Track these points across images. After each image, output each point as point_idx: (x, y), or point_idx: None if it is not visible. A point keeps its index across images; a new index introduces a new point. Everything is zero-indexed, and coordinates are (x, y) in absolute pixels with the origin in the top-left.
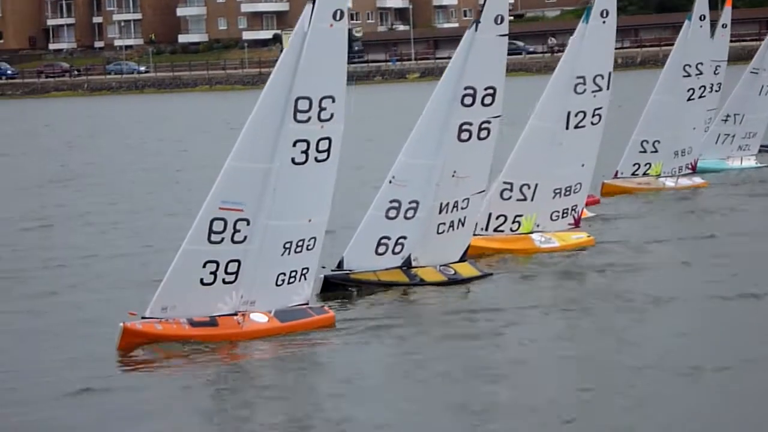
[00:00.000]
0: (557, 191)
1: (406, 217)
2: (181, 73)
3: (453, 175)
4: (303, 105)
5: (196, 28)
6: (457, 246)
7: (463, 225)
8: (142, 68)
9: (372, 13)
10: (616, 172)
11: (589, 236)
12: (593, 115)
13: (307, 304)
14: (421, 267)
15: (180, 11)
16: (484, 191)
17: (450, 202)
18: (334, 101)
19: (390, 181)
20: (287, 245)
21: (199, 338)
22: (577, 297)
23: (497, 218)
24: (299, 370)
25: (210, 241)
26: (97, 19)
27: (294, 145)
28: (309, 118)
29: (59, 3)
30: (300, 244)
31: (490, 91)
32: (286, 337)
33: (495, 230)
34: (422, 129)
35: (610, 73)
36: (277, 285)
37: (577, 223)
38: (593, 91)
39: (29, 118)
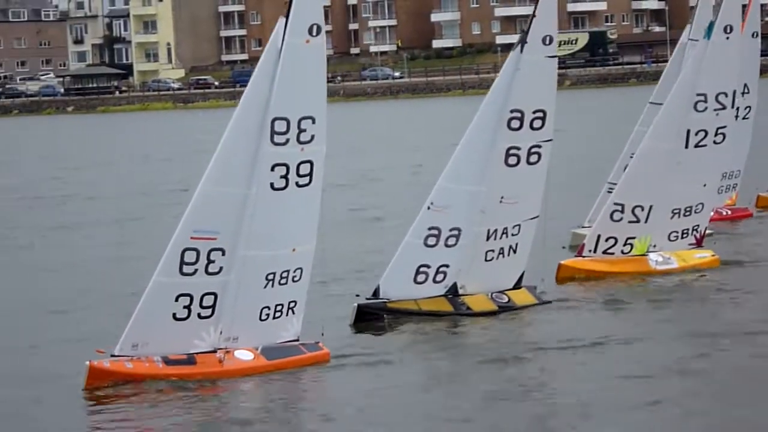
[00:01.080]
0: (676, 211)
1: (447, 245)
2: (434, 78)
3: (501, 201)
4: (280, 126)
5: (449, 33)
6: (510, 273)
7: (514, 252)
8: (397, 74)
9: (627, 15)
10: None
11: (713, 256)
12: (716, 134)
13: (297, 340)
14: (469, 295)
15: (434, 17)
16: (537, 217)
17: (498, 229)
18: (314, 122)
19: (428, 208)
20: (270, 277)
21: (176, 377)
22: (654, 328)
23: (606, 240)
24: (284, 410)
25: (182, 273)
26: (352, 26)
27: (272, 169)
28: (287, 141)
29: None
30: (284, 275)
31: (540, 114)
32: (274, 375)
33: (604, 252)
34: (464, 153)
35: (734, 92)
36: (261, 320)
37: (699, 243)
38: (716, 110)
39: None
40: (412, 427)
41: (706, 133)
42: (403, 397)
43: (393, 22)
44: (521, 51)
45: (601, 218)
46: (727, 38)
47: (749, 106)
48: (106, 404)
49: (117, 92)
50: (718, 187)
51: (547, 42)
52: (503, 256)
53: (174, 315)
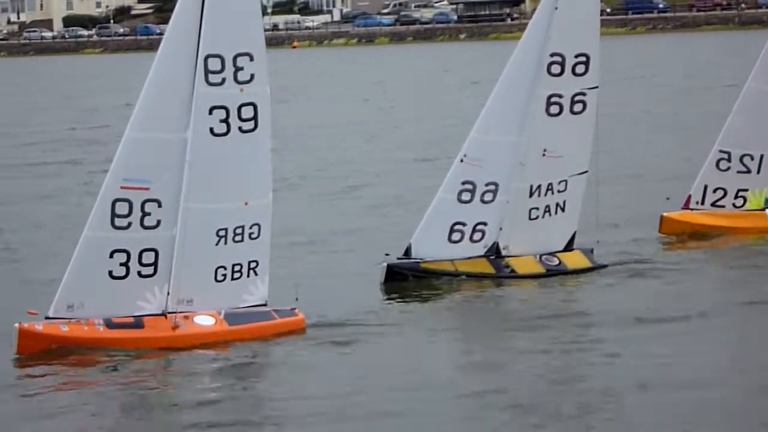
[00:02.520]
0: None
1: (483, 201)
2: None
3: (543, 155)
4: (214, 65)
5: None
6: (560, 233)
7: (563, 210)
8: None
9: None
10: None
11: None
12: None
13: (264, 304)
14: (514, 256)
15: None
16: (586, 171)
17: (543, 185)
18: (252, 59)
19: (462, 160)
20: (221, 233)
21: (119, 343)
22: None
23: (714, 191)
24: (243, 382)
25: (114, 226)
26: None
27: (210, 112)
28: (223, 80)
29: None
30: (238, 231)
31: (582, 59)
32: (238, 344)
33: (713, 205)
34: (499, 101)
35: None
36: (217, 281)
37: None
38: None
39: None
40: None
41: None
42: (384, 371)
43: None
44: None
45: (706, 167)
46: None
47: None
48: (37, 374)
49: (509, 19)
50: None
51: None
52: (549, 215)
53: (110, 273)
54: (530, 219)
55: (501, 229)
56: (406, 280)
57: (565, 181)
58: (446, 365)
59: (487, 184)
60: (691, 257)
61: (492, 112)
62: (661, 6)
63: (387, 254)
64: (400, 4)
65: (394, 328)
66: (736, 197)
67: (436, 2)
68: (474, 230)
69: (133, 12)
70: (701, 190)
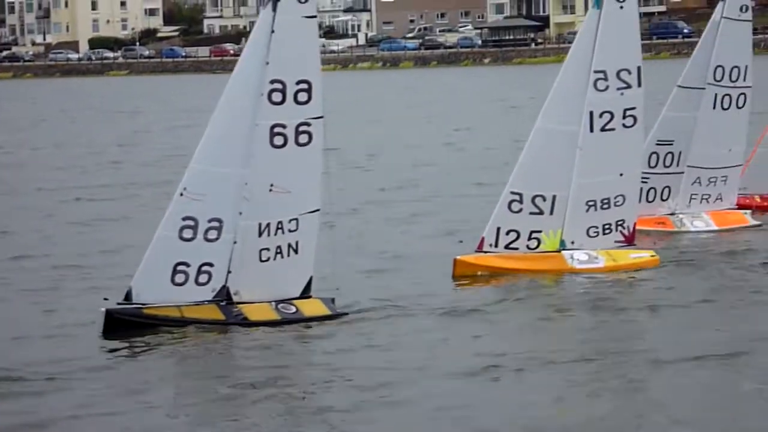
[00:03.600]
0: (591, 204)
1: (207, 239)
2: None
3: (270, 190)
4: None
5: None
6: (294, 277)
7: (296, 251)
8: None
9: None
10: None
11: (653, 255)
12: (624, 117)
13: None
14: (246, 303)
15: None
16: (318, 210)
17: (272, 223)
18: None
19: (181, 194)
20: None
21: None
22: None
23: (507, 233)
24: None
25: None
26: None
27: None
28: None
29: None
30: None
31: (303, 86)
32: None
33: (506, 247)
34: (219, 128)
35: (639, 68)
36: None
37: (628, 241)
38: (619, 89)
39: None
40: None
41: (612, 115)
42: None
43: None
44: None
45: (498, 208)
46: (621, 7)
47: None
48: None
49: (533, 44)
50: (638, 178)
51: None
52: (282, 257)
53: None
54: (261, 261)
55: (230, 272)
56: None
57: (296, 219)
58: None
59: (210, 221)
60: (485, 300)
61: (212, 140)
62: (686, 31)
63: (106, 299)
64: (425, 29)
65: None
66: (529, 239)
67: (461, 27)
68: (199, 271)
69: (159, 34)
70: (494, 232)
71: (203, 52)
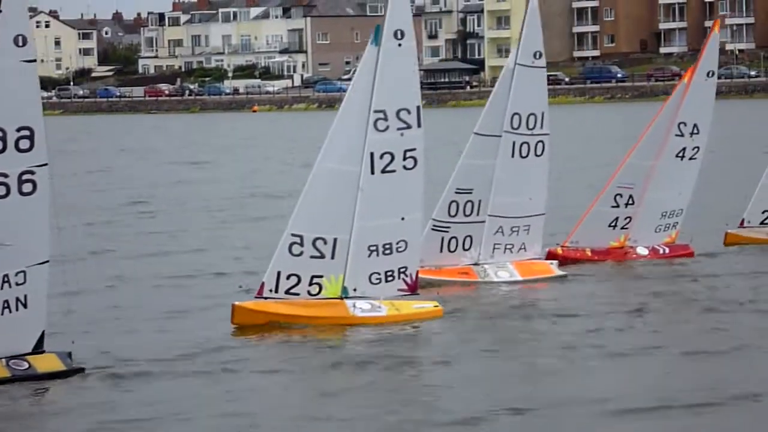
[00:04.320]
0: (372, 248)
1: None
2: None
3: None
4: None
5: None
6: (25, 332)
7: (24, 306)
8: (752, 72)
9: None
10: (742, 220)
11: (436, 306)
12: (405, 158)
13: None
14: None
15: None
16: (47, 261)
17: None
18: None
19: None
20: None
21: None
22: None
23: (288, 278)
24: None
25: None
26: (708, 23)
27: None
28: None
29: (672, 7)
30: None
31: (26, 132)
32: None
33: (287, 293)
34: None
35: (418, 108)
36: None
37: (411, 289)
38: (399, 129)
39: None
40: None
41: (393, 156)
42: None
43: (751, 20)
44: None
45: (278, 252)
46: (399, 44)
47: (697, 147)
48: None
49: (468, 87)
50: (419, 222)
51: None
52: (10, 311)
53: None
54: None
55: None
56: None
57: (24, 272)
58: None
59: None
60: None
61: None
62: (619, 75)
63: None
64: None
65: None
66: (311, 284)
67: None
68: None
69: (94, 74)
70: (275, 276)
71: (138, 92)
